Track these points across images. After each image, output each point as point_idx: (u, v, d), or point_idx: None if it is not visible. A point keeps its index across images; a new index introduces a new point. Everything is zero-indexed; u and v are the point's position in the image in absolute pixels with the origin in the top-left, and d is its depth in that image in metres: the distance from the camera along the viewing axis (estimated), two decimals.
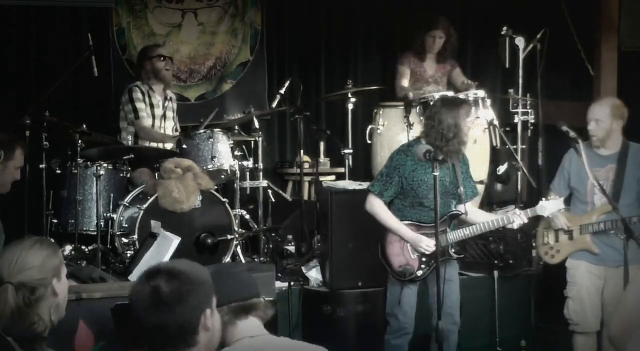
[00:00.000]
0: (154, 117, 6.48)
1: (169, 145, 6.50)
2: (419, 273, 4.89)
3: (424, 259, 4.88)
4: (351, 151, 6.68)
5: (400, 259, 4.88)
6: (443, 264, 4.75)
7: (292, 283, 5.71)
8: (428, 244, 4.82)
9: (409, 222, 4.90)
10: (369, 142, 6.76)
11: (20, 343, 2.63)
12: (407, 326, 4.94)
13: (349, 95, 6.77)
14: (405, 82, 6.90)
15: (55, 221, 5.97)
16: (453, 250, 4.94)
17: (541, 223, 5.44)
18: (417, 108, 6.41)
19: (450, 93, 6.47)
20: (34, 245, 2.77)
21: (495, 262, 5.85)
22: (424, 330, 5.18)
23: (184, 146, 6.17)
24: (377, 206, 4.90)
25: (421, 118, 6.37)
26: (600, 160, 5.17)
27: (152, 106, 6.47)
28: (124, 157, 5.99)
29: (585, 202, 5.22)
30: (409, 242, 4.86)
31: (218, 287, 2.94)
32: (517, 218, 4.93)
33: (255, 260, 6.17)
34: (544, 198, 5.02)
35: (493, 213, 5.47)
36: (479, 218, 4.94)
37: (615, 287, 5.11)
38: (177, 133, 6.58)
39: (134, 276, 5.14)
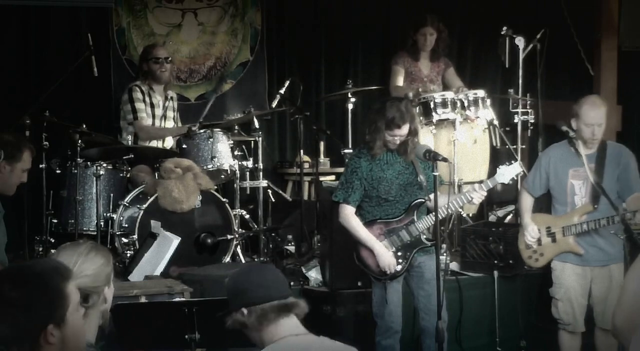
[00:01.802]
0: (154, 116, 6.48)
1: (170, 141, 6.50)
2: (399, 268, 4.89)
3: (399, 253, 4.90)
4: (351, 151, 6.67)
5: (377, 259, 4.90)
6: (419, 254, 4.89)
7: (292, 283, 5.70)
8: (392, 263, 4.85)
9: (380, 220, 4.91)
10: None
11: None
12: (394, 325, 4.94)
13: (349, 95, 6.77)
14: (399, 82, 6.89)
15: (55, 221, 5.97)
16: (425, 237, 4.94)
17: (520, 228, 5.42)
18: (417, 108, 6.41)
19: (451, 93, 6.48)
20: (90, 251, 2.72)
21: (495, 262, 5.84)
22: (417, 330, 5.21)
23: (184, 146, 6.18)
24: (348, 216, 4.90)
25: (421, 118, 6.37)
26: (580, 159, 5.11)
27: (152, 106, 6.47)
28: (124, 157, 6.00)
29: (565, 203, 5.19)
30: (376, 255, 4.86)
31: (262, 282, 2.88)
32: (475, 194, 4.94)
33: (255, 260, 6.17)
34: (501, 166, 4.99)
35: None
36: (441, 203, 4.93)
37: (602, 286, 5.12)
38: (181, 127, 6.57)
39: (134, 276, 5.15)
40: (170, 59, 6.65)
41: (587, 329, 5.26)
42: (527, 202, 5.34)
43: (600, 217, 4.98)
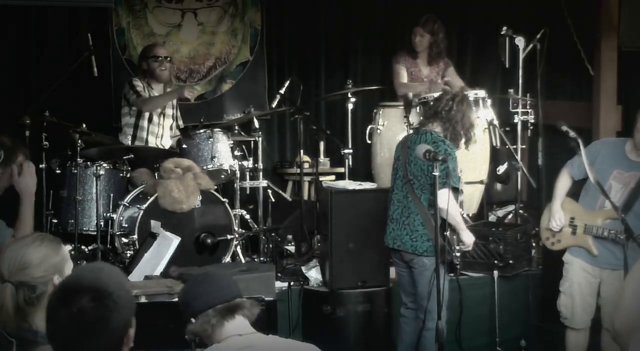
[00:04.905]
0: (152, 113, 6.49)
1: (169, 141, 6.50)
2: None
3: None
4: (351, 151, 6.67)
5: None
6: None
7: (292, 283, 5.71)
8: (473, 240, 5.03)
9: None
10: (369, 142, 6.76)
11: (20, 346, 2.63)
12: None
13: (349, 95, 6.77)
14: (404, 79, 6.88)
15: (55, 221, 5.97)
16: None
17: (547, 207, 5.36)
18: (417, 108, 6.40)
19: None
20: (34, 242, 2.77)
21: (495, 262, 5.85)
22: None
23: (184, 146, 6.18)
24: (454, 202, 4.88)
25: (421, 118, 6.36)
26: (628, 163, 5.06)
27: None
28: (124, 157, 6.00)
29: (596, 198, 5.08)
30: (464, 237, 4.94)
31: (202, 292, 2.99)
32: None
33: (255, 260, 6.17)
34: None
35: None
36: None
37: (611, 288, 5.09)
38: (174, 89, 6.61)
39: (134, 276, 5.15)
40: (170, 58, 6.66)
41: (596, 329, 5.25)
42: (564, 183, 5.26)
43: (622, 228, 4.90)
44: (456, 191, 4.88)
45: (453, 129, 4.98)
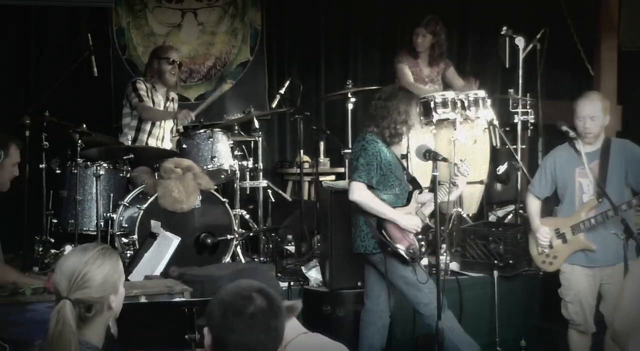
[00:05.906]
0: None
1: (168, 141, 6.50)
2: (422, 250, 4.95)
3: (419, 237, 4.93)
4: (351, 151, 6.67)
5: (405, 242, 4.86)
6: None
7: (292, 283, 5.71)
8: (417, 222, 4.88)
9: (395, 207, 4.91)
10: None
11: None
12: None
13: (349, 95, 6.77)
14: (412, 78, 6.86)
15: (55, 221, 5.97)
16: (432, 222, 5.00)
17: (531, 234, 5.42)
18: (417, 108, 6.39)
19: (451, 93, 6.47)
20: (96, 259, 2.68)
21: (495, 261, 5.85)
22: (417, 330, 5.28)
23: (184, 146, 6.18)
24: (366, 194, 4.85)
25: (421, 118, 6.35)
26: (585, 157, 5.11)
27: (153, 103, 6.47)
28: (124, 157, 6.00)
29: (573, 203, 5.17)
30: (402, 224, 4.85)
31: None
32: (458, 180, 5.05)
33: (255, 260, 6.17)
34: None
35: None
36: (427, 197, 5.01)
37: (612, 285, 5.09)
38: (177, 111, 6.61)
39: (134, 276, 5.15)
40: (180, 64, 6.65)
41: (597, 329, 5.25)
42: (534, 205, 5.34)
43: (607, 209, 4.96)
44: (372, 188, 4.85)
45: (381, 126, 4.96)
